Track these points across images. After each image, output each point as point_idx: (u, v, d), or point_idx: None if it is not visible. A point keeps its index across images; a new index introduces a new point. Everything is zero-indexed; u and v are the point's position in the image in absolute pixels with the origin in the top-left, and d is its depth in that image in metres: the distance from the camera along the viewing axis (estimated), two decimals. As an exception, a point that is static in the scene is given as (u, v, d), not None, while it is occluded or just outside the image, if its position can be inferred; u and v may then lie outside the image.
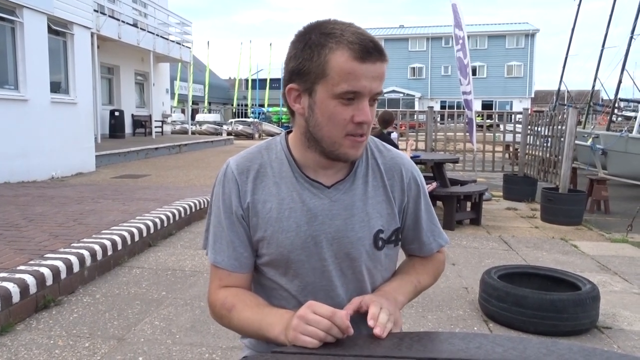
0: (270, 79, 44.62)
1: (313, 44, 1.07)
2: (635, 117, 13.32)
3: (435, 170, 6.71)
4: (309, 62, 1.08)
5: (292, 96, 1.14)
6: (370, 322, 1.03)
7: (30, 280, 3.34)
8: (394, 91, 47.87)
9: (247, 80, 46.53)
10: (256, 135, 28.68)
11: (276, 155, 1.22)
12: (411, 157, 6.24)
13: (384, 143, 1.31)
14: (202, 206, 6.46)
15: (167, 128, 21.35)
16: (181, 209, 5.90)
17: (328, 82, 1.07)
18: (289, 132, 1.25)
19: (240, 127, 29.62)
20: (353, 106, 1.08)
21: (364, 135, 1.11)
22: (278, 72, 45.48)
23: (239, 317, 1.16)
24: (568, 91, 21.17)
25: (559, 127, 7.50)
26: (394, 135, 7.95)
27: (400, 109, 14.17)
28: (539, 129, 8.48)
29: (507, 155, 12.28)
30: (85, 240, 4.36)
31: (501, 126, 10.61)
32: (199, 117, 36.86)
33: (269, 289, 1.25)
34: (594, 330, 3.35)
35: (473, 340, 0.99)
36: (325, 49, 1.06)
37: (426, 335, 1.10)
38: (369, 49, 1.05)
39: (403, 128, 11.26)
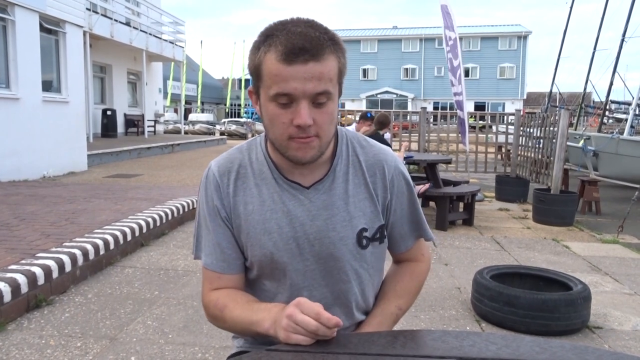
0: (264, 79, 44.52)
1: (254, 46, 1.07)
2: (626, 119, 13.43)
3: (428, 170, 6.73)
4: (251, 65, 1.08)
5: (253, 99, 1.15)
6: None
7: (21, 279, 3.32)
8: (387, 92, 47.97)
9: (240, 80, 46.47)
10: (249, 135, 28.63)
11: (256, 156, 1.22)
12: (404, 158, 6.27)
13: (367, 137, 1.28)
14: (195, 206, 6.42)
15: (160, 127, 21.26)
16: (174, 208, 5.88)
17: (264, 85, 1.06)
18: None
19: (233, 127, 29.59)
20: (292, 109, 1.04)
21: (311, 137, 1.06)
22: (271, 72, 45.39)
23: (231, 315, 1.17)
24: (560, 93, 21.31)
25: (551, 128, 7.55)
26: (387, 135, 7.97)
27: (394, 110, 14.17)
28: (531, 130, 8.53)
29: (499, 156, 12.34)
30: (77, 239, 4.33)
31: (493, 127, 10.66)
32: (192, 116, 36.76)
33: (258, 290, 1.25)
34: (585, 330, 3.37)
35: (467, 339, 1.00)
36: (260, 52, 1.05)
37: (420, 334, 1.10)
38: (294, 50, 1.00)
39: (396, 129, 11.30)
